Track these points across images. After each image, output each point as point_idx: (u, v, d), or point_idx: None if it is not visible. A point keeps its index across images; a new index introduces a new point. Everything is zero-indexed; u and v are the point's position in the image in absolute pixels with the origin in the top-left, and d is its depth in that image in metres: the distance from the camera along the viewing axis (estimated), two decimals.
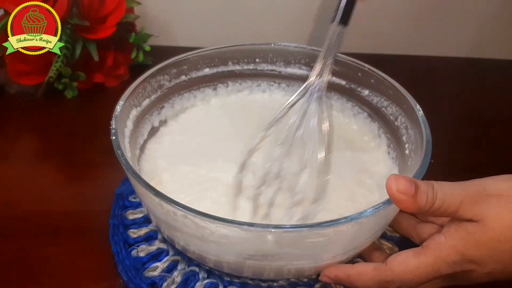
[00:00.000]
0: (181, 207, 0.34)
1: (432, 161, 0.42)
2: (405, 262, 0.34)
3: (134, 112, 0.48)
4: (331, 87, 0.55)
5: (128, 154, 0.42)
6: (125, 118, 0.45)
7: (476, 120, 0.68)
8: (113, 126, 0.41)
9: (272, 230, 0.33)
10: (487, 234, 0.32)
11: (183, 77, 0.53)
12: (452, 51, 0.82)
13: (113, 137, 0.40)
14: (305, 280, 0.43)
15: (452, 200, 0.33)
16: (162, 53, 0.53)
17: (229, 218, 0.33)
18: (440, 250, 0.34)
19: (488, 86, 0.78)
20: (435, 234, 0.35)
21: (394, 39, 0.79)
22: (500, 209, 0.32)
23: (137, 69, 0.50)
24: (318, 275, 0.43)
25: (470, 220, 0.33)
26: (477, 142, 0.62)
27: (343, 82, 0.54)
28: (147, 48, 0.70)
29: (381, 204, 0.35)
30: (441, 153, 0.49)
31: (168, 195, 0.35)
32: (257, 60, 0.56)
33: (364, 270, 0.36)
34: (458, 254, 0.33)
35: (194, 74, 0.54)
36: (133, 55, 0.70)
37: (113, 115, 0.43)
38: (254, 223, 0.33)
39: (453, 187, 0.34)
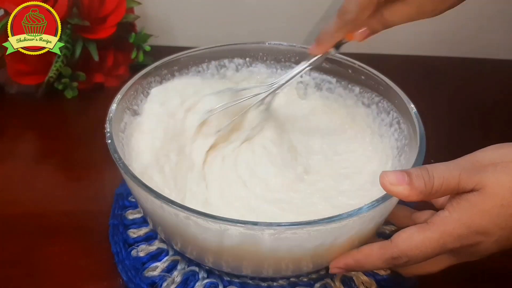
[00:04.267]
0: (183, 208, 0.34)
1: (433, 160, 0.42)
2: (410, 238, 0.34)
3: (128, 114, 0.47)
4: (324, 85, 0.56)
5: (125, 158, 0.42)
6: (119, 121, 0.45)
7: (477, 120, 0.68)
8: (108, 130, 0.41)
9: (275, 228, 0.33)
10: (490, 201, 0.32)
11: (174, 77, 0.53)
12: (452, 51, 0.82)
13: (109, 141, 0.40)
14: (305, 280, 0.43)
15: (450, 176, 0.33)
16: (162, 53, 0.53)
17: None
18: (445, 224, 0.34)
19: (487, 86, 0.78)
20: (439, 210, 0.35)
21: (393, 39, 0.79)
22: (498, 174, 0.32)
23: (137, 69, 0.50)
24: (318, 274, 0.43)
25: (471, 191, 0.33)
26: (478, 142, 0.62)
27: (333, 80, 0.54)
28: (147, 48, 0.70)
29: (375, 202, 0.35)
30: (441, 153, 0.49)
31: (167, 196, 0.35)
32: (247, 59, 0.56)
33: (370, 251, 0.36)
34: (464, 226, 0.33)
35: (185, 74, 0.54)
36: (133, 55, 0.70)
37: (107, 119, 0.42)
38: (258, 222, 0.33)
39: (448, 165, 0.34)
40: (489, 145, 0.36)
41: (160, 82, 0.52)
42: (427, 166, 0.34)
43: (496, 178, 0.32)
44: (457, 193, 0.34)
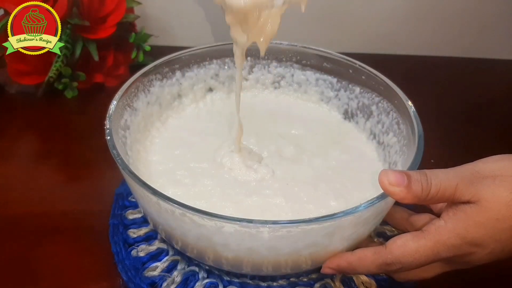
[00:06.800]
0: (179, 205, 0.34)
1: (433, 161, 0.42)
2: (404, 245, 0.35)
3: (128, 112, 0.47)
4: (322, 85, 0.56)
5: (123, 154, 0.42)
6: (119, 118, 0.45)
7: (477, 120, 0.68)
8: (108, 126, 0.42)
9: (270, 226, 0.33)
10: (485, 214, 0.33)
11: (175, 76, 0.53)
12: (452, 51, 0.82)
13: (108, 137, 0.41)
14: (305, 280, 0.43)
15: (447, 184, 0.33)
16: (162, 53, 0.53)
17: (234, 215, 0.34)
18: (439, 233, 0.34)
19: (489, 86, 0.78)
20: (435, 219, 0.35)
21: (394, 39, 0.79)
22: (495, 188, 0.33)
23: (137, 69, 0.50)
24: (318, 274, 0.43)
25: (467, 202, 0.33)
26: (478, 142, 0.62)
27: (334, 80, 0.54)
28: (147, 48, 0.70)
29: (375, 199, 0.35)
30: (442, 153, 0.49)
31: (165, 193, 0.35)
32: (248, 58, 0.56)
33: (364, 255, 0.36)
34: (458, 237, 0.33)
35: (186, 73, 0.54)
36: (133, 55, 0.70)
37: (107, 115, 0.43)
38: (253, 220, 0.33)
39: (447, 172, 0.34)
40: (489, 146, 0.36)
41: (161, 80, 0.52)
42: (427, 171, 0.34)
43: (493, 191, 0.33)
44: (453, 201, 0.34)
